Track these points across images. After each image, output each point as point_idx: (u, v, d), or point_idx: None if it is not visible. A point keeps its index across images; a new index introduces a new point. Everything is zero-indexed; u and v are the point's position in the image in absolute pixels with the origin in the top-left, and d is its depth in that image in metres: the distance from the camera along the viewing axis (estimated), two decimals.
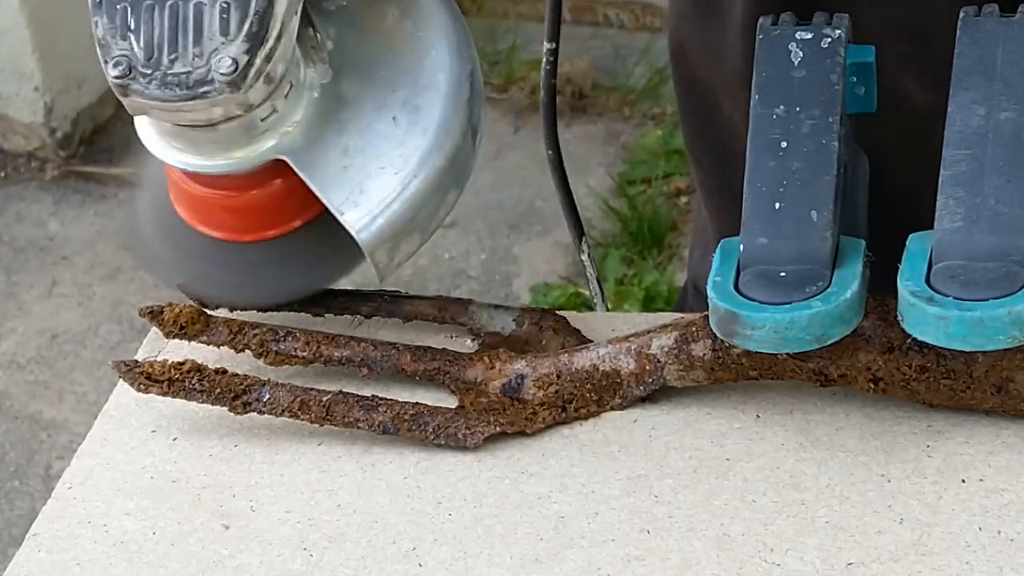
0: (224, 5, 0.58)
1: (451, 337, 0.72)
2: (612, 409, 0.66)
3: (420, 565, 0.59)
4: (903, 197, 0.64)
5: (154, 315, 0.70)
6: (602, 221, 2.22)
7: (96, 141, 2.49)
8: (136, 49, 0.59)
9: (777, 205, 0.62)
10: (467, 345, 0.71)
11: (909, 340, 0.61)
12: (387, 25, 0.65)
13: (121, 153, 2.46)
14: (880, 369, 0.62)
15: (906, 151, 0.63)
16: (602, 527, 0.60)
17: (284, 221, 0.66)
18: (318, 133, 0.63)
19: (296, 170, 0.63)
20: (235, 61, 0.58)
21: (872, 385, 0.63)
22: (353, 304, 0.72)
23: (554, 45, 0.84)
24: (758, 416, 0.65)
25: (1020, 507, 0.59)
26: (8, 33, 2.34)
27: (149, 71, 0.59)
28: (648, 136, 2.37)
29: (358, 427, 0.65)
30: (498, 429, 0.65)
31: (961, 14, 0.63)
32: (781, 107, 0.63)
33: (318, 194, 0.62)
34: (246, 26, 0.58)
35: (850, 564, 0.57)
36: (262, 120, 0.62)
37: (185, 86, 0.59)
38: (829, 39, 0.64)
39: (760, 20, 0.65)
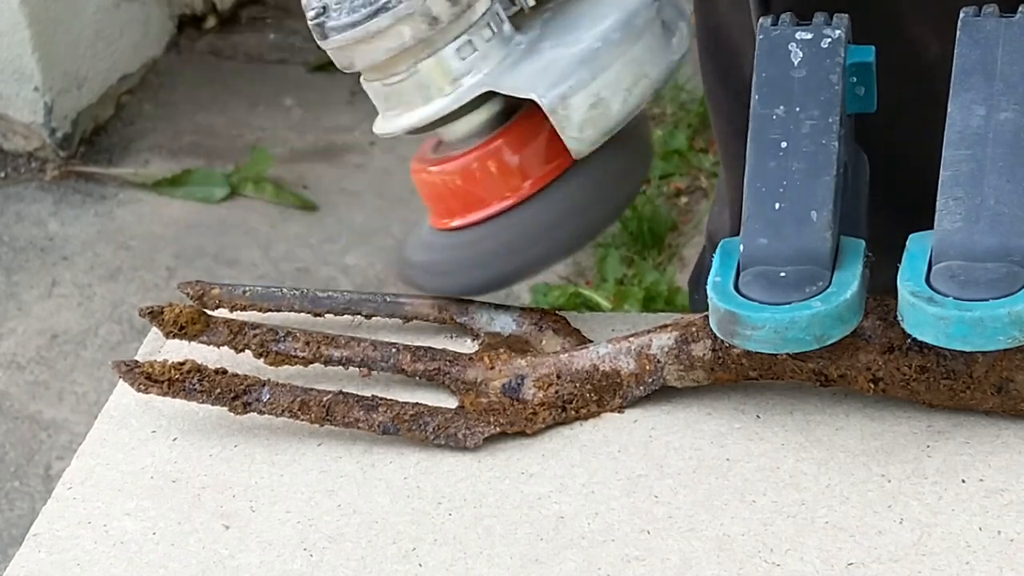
0: None
1: (451, 337, 0.72)
2: (612, 409, 0.66)
3: (420, 565, 0.60)
4: (915, 152, 0.64)
5: (154, 315, 0.70)
6: None
7: (96, 141, 2.49)
8: None
9: (777, 205, 0.62)
10: (467, 345, 0.71)
11: (909, 340, 0.61)
12: None
13: (121, 153, 2.47)
14: (880, 369, 0.63)
15: (919, 102, 0.63)
16: (602, 527, 0.60)
17: (516, 186, 0.68)
18: (524, 59, 0.66)
19: (498, 89, 0.65)
20: None
21: (872, 385, 0.63)
22: (353, 304, 0.72)
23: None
24: (758, 416, 0.65)
25: (1020, 507, 0.59)
26: (8, 33, 2.34)
27: (339, 5, 0.63)
28: None
29: (358, 427, 0.65)
30: (498, 429, 0.65)
31: (961, 14, 0.63)
32: (781, 107, 0.63)
33: (510, 91, 0.65)
34: None
35: (850, 564, 0.58)
36: (462, 59, 0.65)
37: (368, 4, 0.62)
38: (829, 39, 0.64)
39: (760, 20, 0.66)
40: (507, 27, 0.67)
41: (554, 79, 0.65)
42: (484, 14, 0.65)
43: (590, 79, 0.65)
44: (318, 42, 0.65)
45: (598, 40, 0.66)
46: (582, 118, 0.65)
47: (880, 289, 0.62)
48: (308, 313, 0.71)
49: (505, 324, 0.70)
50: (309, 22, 0.64)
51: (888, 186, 0.64)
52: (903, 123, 0.69)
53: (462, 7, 0.64)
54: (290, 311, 0.71)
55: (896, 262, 0.60)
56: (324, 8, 0.64)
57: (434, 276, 0.71)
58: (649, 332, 0.66)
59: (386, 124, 0.68)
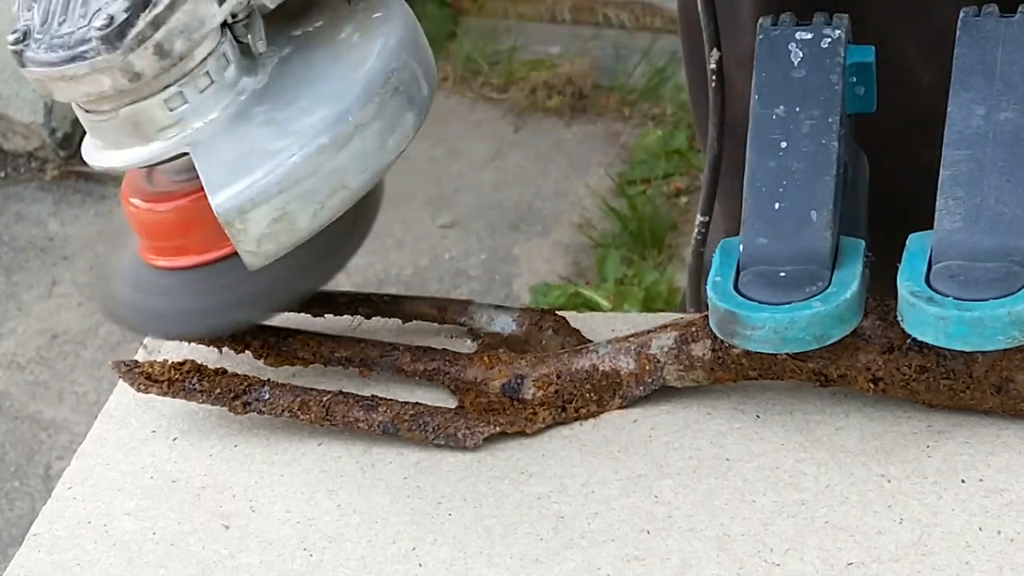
0: None
1: (451, 337, 0.72)
2: (612, 409, 0.66)
3: (420, 565, 0.60)
4: (909, 178, 0.64)
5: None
6: (602, 221, 2.22)
7: None
8: (36, 16, 0.58)
9: (777, 205, 0.62)
10: (467, 345, 0.71)
11: (909, 340, 0.61)
12: (339, 39, 0.63)
13: None
14: (880, 369, 0.62)
15: (911, 130, 0.63)
16: (602, 527, 0.60)
17: (206, 248, 0.63)
18: (230, 128, 0.61)
19: (193, 158, 0.60)
20: (111, 17, 0.56)
21: (872, 385, 0.63)
22: (353, 305, 0.72)
23: (707, 219, 0.79)
24: (758, 416, 0.65)
25: (1020, 507, 0.59)
26: (8, 33, 2.34)
27: (40, 36, 0.58)
28: (648, 136, 2.37)
29: (358, 427, 0.65)
30: (498, 429, 0.65)
31: (961, 14, 0.63)
32: (781, 107, 0.63)
33: (201, 176, 0.60)
34: None
35: (850, 564, 0.58)
36: (170, 110, 0.59)
37: (67, 47, 0.57)
38: (829, 39, 0.64)
39: (760, 20, 0.65)
40: (231, 72, 0.61)
41: (237, 185, 0.59)
42: (203, 60, 0.59)
43: (276, 192, 0.59)
44: (15, 63, 0.60)
45: (299, 143, 0.60)
46: (260, 232, 0.60)
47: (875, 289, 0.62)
48: (308, 313, 0.71)
49: (505, 324, 0.70)
50: (8, 44, 0.59)
51: (880, 221, 0.63)
52: (894, 150, 0.69)
53: (172, 60, 0.58)
54: (290, 311, 0.71)
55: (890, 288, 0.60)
56: (25, 35, 0.58)
57: (152, 320, 0.68)
58: (649, 332, 0.66)
59: (90, 154, 0.63)
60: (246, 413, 0.66)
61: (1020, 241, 0.58)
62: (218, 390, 0.66)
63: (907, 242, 0.61)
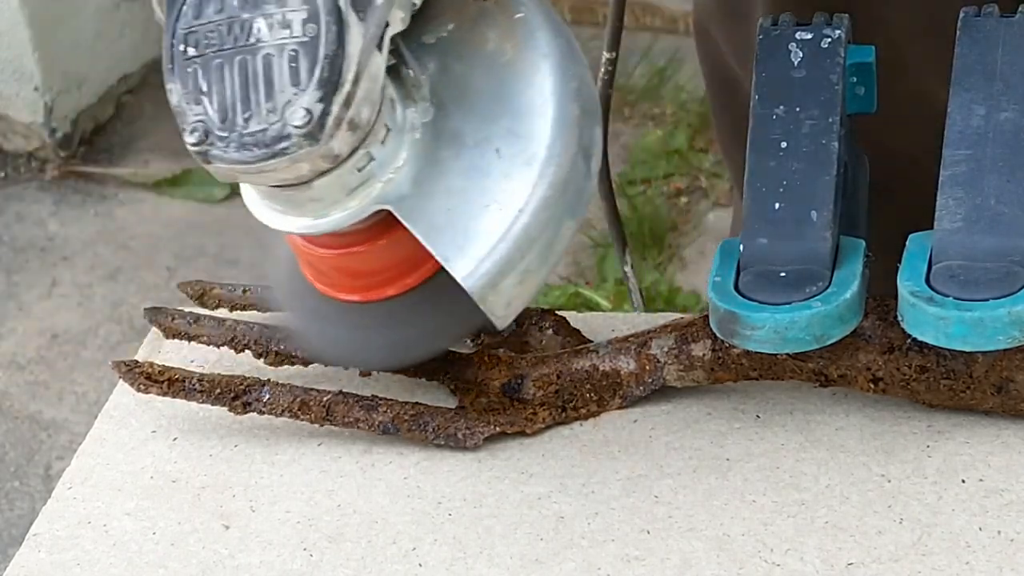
0: (292, 53, 0.54)
1: None
2: (612, 409, 0.66)
3: (420, 565, 0.59)
4: (926, 196, 0.64)
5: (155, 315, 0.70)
6: (602, 221, 2.21)
7: (96, 141, 2.49)
8: (211, 112, 0.55)
9: (777, 205, 0.62)
10: (467, 345, 0.71)
11: (909, 340, 0.61)
12: (488, 51, 0.60)
13: (121, 153, 2.47)
14: (880, 369, 0.62)
15: (931, 150, 0.63)
16: (602, 527, 0.60)
17: (398, 278, 0.62)
18: (423, 176, 0.58)
19: (399, 218, 0.58)
20: (309, 111, 0.54)
21: (872, 385, 0.63)
22: None
23: (614, 55, 0.79)
24: (758, 416, 0.65)
25: (1020, 507, 0.59)
26: (8, 33, 2.34)
27: (226, 134, 0.55)
28: (648, 136, 2.37)
29: (358, 427, 0.65)
30: (498, 429, 0.65)
31: (961, 14, 0.63)
32: (781, 107, 0.63)
33: (423, 241, 0.58)
34: (317, 72, 0.54)
35: (850, 564, 0.57)
36: (359, 171, 0.57)
37: (263, 144, 0.54)
38: (829, 39, 0.64)
39: (760, 20, 0.65)
40: (399, 111, 0.58)
41: (474, 256, 0.57)
42: (379, 113, 0.57)
43: (520, 258, 0.57)
44: (198, 161, 0.56)
45: (521, 199, 0.57)
46: (510, 296, 0.58)
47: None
48: None
49: None
50: (187, 144, 0.55)
51: (896, 238, 0.62)
52: (914, 169, 0.68)
53: (364, 129, 0.56)
54: None
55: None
56: (206, 135, 0.55)
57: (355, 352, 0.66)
58: (649, 332, 0.66)
59: (270, 217, 0.60)
60: (246, 413, 0.66)
61: (1020, 241, 0.58)
62: (218, 390, 0.66)
63: (907, 242, 0.61)
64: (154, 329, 0.71)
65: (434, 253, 0.58)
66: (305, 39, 0.54)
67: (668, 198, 2.29)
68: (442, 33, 0.60)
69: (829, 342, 0.60)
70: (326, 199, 0.57)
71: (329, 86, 0.54)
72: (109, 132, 2.52)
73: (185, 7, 0.56)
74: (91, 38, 2.46)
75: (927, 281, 0.59)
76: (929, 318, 0.58)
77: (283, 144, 0.54)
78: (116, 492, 0.65)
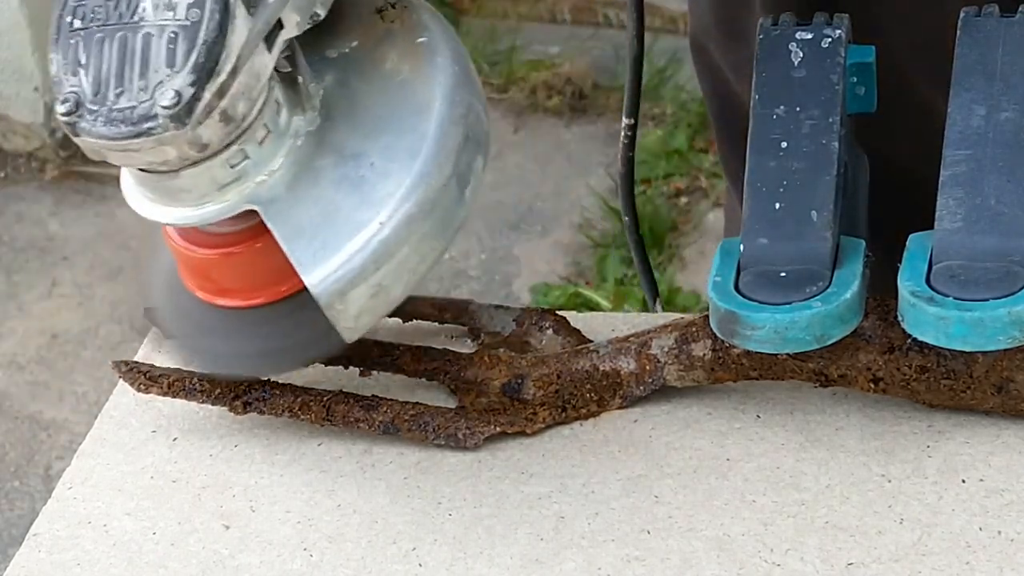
0: (172, 35, 0.54)
1: (451, 337, 0.72)
2: (612, 409, 0.66)
3: (420, 565, 0.60)
4: (931, 210, 0.64)
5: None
6: (602, 221, 2.22)
7: None
8: (85, 85, 0.55)
9: (777, 205, 0.62)
10: (467, 345, 0.71)
11: (909, 340, 0.61)
12: (385, 70, 0.60)
13: None
14: (880, 369, 0.62)
15: (935, 165, 0.62)
16: (602, 527, 0.60)
17: (272, 285, 0.61)
18: (296, 182, 0.58)
19: (265, 221, 0.58)
20: (179, 94, 0.53)
21: (872, 385, 0.63)
22: None
23: (633, 121, 0.80)
24: (758, 416, 0.65)
25: (1020, 507, 0.59)
26: (8, 33, 2.34)
27: (96, 107, 0.54)
28: (648, 136, 2.37)
29: (358, 427, 0.65)
30: (498, 429, 0.65)
31: (961, 14, 0.63)
32: (781, 107, 0.63)
33: (282, 246, 0.58)
34: (193, 57, 0.54)
35: (850, 564, 0.57)
36: (232, 167, 0.57)
37: (130, 122, 0.54)
38: (829, 39, 0.64)
39: (760, 20, 0.65)
40: (284, 116, 0.58)
41: (330, 264, 0.57)
42: (260, 112, 0.56)
43: (373, 269, 0.57)
44: (66, 131, 0.56)
45: (386, 213, 0.57)
46: (359, 309, 0.58)
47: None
48: None
49: (505, 324, 0.70)
50: (58, 114, 0.55)
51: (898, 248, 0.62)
52: (920, 184, 0.68)
53: (237, 123, 0.55)
54: None
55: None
56: (77, 105, 0.54)
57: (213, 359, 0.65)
58: (649, 332, 0.66)
59: (141, 204, 0.60)
60: (246, 413, 0.66)
61: (1020, 241, 0.58)
62: (218, 390, 0.66)
63: (907, 242, 0.61)
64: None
65: (290, 258, 0.57)
66: (187, 23, 0.54)
67: (668, 198, 2.29)
68: (345, 49, 0.61)
69: (829, 342, 0.60)
70: (195, 191, 0.57)
71: (204, 72, 0.54)
72: None
73: None
74: None
75: (927, 281, 0.59)
76: (929, 318, 0.58)
77: (149, 124, 0.54)
78: (116, 492, 0.65)
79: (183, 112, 0.54)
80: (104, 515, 0.64)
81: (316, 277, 0.57)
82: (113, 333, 2.11)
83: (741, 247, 0.62)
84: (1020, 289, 0.57)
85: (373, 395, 0.66)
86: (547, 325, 0.70)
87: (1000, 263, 0.58)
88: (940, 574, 0.57)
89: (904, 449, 0.62)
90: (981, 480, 0.61)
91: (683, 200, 2.27)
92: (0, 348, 2.09)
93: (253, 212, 0.58)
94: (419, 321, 0.72)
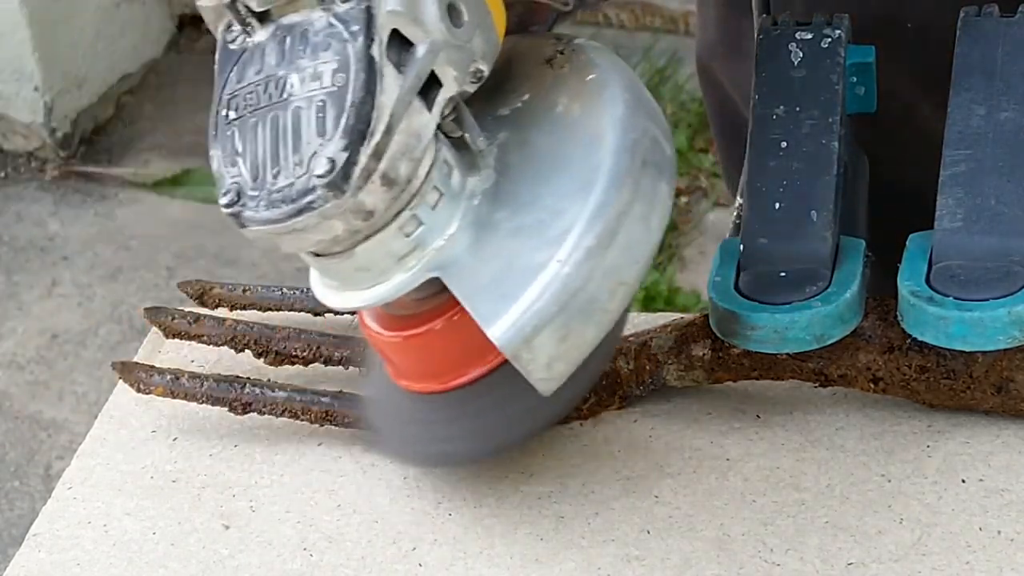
0: (320, 103, 0.52)
1: None
2: (612, 409, 0.66)
3: (420, 565, 0.59)
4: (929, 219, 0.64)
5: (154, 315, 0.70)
6: None
7: (96, 141, 2.49)
8: (244, 173, 0.53)
9: (777, 205, 0.62)
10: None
11: (909, 340, 0.61)
12: (556, 113, 0.57)
13: (121, 153, 2.47)
14: (880, 369, 0.62)
15: (933, 177, 0.62)
16: (602, 527, 0.60)
17: (471, 362, 0.58)
18: (477, 241, 0.55)
19: (446, 283, 0.55)
20: (332, 160, 0.51)
21: (872, 385, 0.63)
22: None
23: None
24: (758, 416, 0.65)
25: (1020, 507, 0.59)
26: (8, 33, 2.34)
27: (256, 192, 0.52)
28: None
29: (358, 427, 0.65)
30: None
31: (961, 14, 0.63)
32: (781, 107, 0.63)
33: (464, 305, 0.55)
34: (343, 121, 0.51)
35: (850, 564, 0.57)
36: (407, 235, 0.54)
37: (290, 200, 0.51)
38: (829, 39, 0.64)
39: (760, 21, 0.65)
40: (456, 178, 0.55)
41: (511, 312, 0.54)
42: (428, 175, 0.54)
43: (557, 311, 0.54)
44: (235, 227, 0.54)
45: (564, 251, 0.54)
46: (550, 356, 0.55)
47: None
48: (308, 313, 0.71)
49: None
50: (221, 207, 0.53)
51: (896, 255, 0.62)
52: (918, 194, 0.68)
53: (401, 186, 0.53)
54: (290, 311, 0.71)
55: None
56: (238, 195, 0.53)
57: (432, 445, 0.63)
58: (649, 332, 0.66)
59: (327, 296, 0.58)
60: (246, 413, 0.66)
61: (1020, 241, 0.58)
62: (218, 390, 0.66)
63: (907, 242, 0.61)
64: (154, 329, 0.71)
65: (474, 316, 0.55)
66: (333, 88, 0.52)
67: None
68: (517, 104, 0.59)
69: (829, 342, 0.60)
70: (374, 268, 0.55)
71: (355, 134, 0.51)
72: (109, 132, 2.52)
73: (231, 73, 0.54)
74: (91, 38, 2.46)
75: (927, 281, 0.59)
76: (929, 318, 0.58)
77: (308, 198, 0.51)
78: (116, 492, 0.65)
79: (339, 179, 0.51)
80: (104, 515, 0.64)
81: (499, 329, 0.54)
82: (113, 333, 2.11)
83: (741, 247, 0.62)
84: (1020, 289, 0.57)
85: None
86: None
87: (1000, 263, 0.58)
88: (940, 574, 0.57)
89: (904, 449, 0.62)
90: (981, 480, 0.61)
91: (683, 200, 2.27)
92: (0, 348, 2.09)
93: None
94: None
